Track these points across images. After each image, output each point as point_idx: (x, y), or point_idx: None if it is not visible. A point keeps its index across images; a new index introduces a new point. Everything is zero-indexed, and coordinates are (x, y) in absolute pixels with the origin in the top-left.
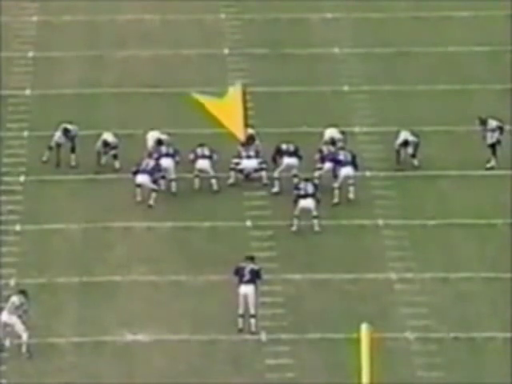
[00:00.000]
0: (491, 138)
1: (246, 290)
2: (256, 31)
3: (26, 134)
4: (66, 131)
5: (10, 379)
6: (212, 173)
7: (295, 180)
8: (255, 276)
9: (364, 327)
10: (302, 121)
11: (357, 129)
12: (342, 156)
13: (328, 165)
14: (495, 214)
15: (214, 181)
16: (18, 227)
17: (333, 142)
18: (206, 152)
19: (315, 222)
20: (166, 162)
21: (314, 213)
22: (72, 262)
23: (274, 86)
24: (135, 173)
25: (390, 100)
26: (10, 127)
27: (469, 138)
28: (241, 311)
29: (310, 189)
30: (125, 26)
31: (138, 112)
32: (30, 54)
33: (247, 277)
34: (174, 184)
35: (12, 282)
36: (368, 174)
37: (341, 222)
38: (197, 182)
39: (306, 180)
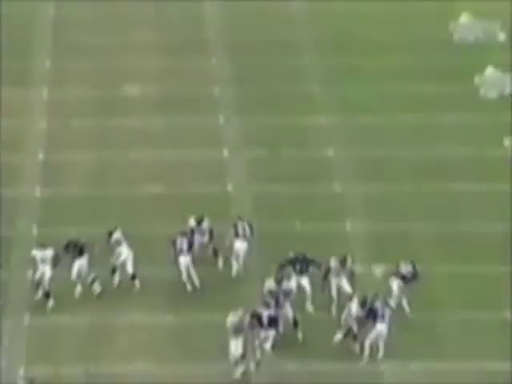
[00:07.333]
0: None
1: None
2: (253, 134)
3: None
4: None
5: None
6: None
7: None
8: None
9: None
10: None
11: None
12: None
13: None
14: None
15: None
16: None
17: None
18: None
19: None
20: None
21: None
22: (78, 353)
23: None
24: None
25: (380, 196)
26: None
27: None
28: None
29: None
30: (130, 131)
31: (140, 213)
32: (40, 157)
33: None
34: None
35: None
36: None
37: None
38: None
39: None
